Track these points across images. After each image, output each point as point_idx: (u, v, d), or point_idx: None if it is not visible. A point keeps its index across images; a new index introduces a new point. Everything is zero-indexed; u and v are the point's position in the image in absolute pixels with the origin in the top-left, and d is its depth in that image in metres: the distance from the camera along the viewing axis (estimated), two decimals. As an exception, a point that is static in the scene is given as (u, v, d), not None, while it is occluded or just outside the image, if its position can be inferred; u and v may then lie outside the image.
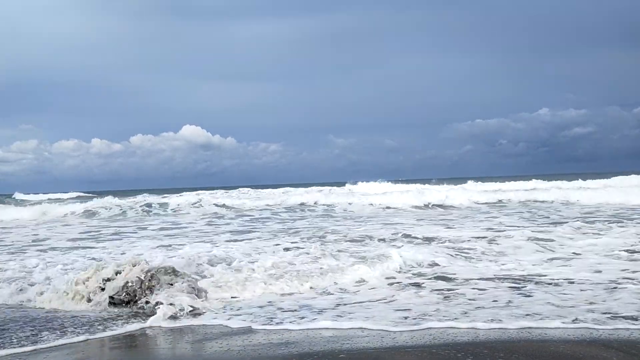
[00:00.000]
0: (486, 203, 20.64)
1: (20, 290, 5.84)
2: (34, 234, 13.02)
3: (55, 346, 4.06)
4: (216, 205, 21.22)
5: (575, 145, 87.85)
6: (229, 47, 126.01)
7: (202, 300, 5.19)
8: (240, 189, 33.81)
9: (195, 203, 21.61)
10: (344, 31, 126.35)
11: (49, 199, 37.22)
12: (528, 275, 6.25)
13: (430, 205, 19.91)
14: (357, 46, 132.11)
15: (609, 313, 4.50)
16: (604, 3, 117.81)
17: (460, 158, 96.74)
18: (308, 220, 15.15)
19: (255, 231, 12.25)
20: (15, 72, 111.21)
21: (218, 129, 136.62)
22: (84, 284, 5.45)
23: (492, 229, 11.21)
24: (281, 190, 32.60)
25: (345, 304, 5.14)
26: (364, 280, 6.18)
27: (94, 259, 7.98)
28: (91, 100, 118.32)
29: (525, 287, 5.62)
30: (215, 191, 32.54)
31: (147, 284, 5.30)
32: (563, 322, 4.29)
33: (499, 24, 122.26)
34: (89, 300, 5.31)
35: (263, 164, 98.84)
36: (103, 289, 5.33)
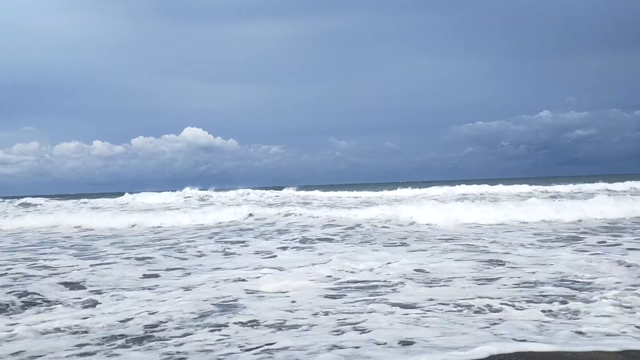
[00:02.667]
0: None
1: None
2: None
3: None
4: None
5: (576, 147, 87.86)
6: (231, 48, 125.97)
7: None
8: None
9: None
10: (346, 33, 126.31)
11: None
12: None
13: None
14: (359, 48, 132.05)
15: None
16: (605, 5, 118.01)
17: (461, 160, 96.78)
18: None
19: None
20: (16, 74, 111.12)
21: (220, 130, 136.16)
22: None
23: None
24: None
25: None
26: None
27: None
28: (92, 102, 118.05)
29: None
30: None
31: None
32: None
33: (500, 26, 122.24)
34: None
35: (264, 166, 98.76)
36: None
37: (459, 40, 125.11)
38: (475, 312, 5.10)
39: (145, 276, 7.62)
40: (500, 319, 4.81)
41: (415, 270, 7.48)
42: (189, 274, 7.73)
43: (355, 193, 30.02)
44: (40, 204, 29.33)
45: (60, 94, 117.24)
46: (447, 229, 13.02)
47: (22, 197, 38.96)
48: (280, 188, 36.90)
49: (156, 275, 7.66)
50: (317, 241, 11.45)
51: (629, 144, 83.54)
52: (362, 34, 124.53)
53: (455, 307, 5.30)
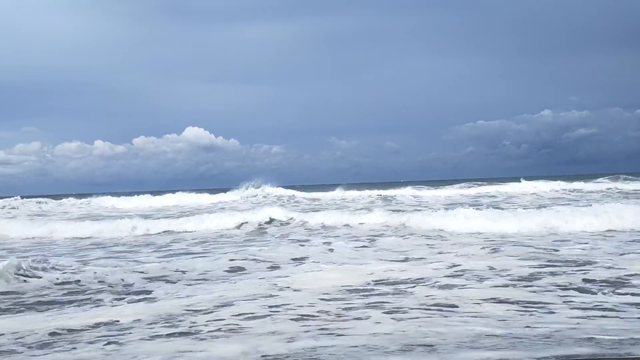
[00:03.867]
0: None
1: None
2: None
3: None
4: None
5: (578, 146, 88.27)
6: (232, 48, 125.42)
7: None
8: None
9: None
10: (346, 33, 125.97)
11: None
12: None
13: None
14: (359, 48, 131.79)
15: None
16: (606, 4, 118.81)
17: (462, 160, 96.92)
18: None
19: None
20: (17, 75, 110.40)
21: (221, 130, 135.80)
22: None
23: None
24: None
25: None
26: None
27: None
28: (94, 102, 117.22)
29: None
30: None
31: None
32: None
33: (501, 26, 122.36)
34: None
35: (265, 166, 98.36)
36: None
37: (459, 40, 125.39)
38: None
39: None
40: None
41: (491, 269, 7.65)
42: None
43: (375, 192, 29.22)
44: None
45: (61, 94, 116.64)
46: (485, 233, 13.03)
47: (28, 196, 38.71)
48: (285, 188, 36.77)
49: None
50: (370, 240, 11.54)
51: (630, 143, 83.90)
52: (362, 34, 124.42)
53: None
